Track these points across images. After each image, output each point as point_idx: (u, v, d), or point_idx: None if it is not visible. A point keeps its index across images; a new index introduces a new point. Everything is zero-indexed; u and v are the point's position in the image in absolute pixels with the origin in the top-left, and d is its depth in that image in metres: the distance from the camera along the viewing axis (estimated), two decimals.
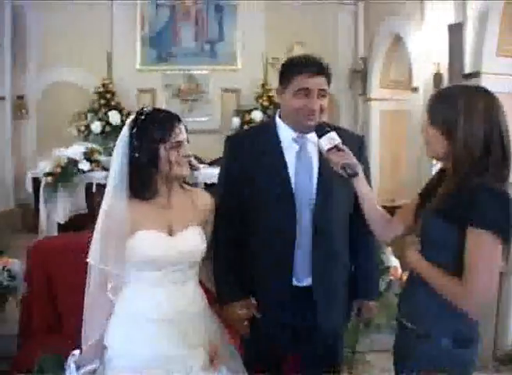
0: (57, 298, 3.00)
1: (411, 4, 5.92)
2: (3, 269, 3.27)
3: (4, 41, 6.69)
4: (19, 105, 6.95)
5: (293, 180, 2.07)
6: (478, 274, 1.53)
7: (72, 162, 5.39)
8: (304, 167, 2.09)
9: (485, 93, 1.64)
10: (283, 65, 2.13)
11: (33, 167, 5.86)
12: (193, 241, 1.92)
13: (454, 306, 1.59)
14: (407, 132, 6.32)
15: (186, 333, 1.86)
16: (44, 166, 5.38)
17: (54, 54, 6.93)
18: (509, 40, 4.73)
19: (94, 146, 5.82)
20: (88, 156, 5.52)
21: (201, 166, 5.63)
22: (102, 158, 5.57)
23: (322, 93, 2.03)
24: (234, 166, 2.13)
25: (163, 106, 6.76)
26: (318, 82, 2.02)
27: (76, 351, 1.80)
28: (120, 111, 6.68)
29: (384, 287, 3.21)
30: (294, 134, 2.10)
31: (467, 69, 4.91)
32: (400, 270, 3.32)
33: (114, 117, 6.60)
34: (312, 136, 2.01)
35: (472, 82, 4.60)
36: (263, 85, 7.09)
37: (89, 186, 5.40)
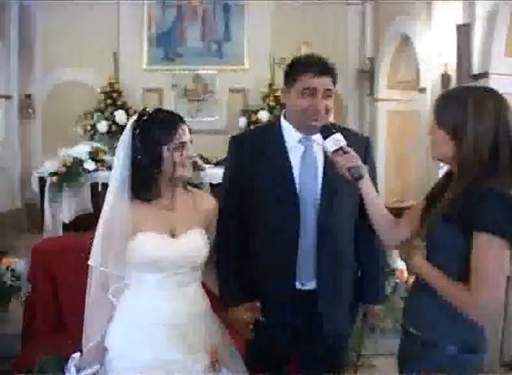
0: (60, 299, 2.99)
1: (419, 4, 5.88)
2: (7, 269, 3.27)
3: (11, 40, 6.72)
4: (26, 105, 6.98)
5: (297, 181, 2.04)
6: (485, 280, 1.49)
7: (78, 162, 5.39)
8: (308, 168, 2.06)
9: (494, 93, 1.61)
10: (288, 64, 2.11)
11: (39, 166, 5.88)
12: (196, 243, 1.90)
13: (461, 313, 1.56)
14: (414, 133, 6.28)
15: (187, 337, 1.84)
16: (50, 165, 5.39)
17: (60, 53, 6.95)
18: None
19: (99, 146, 5.82)
20: (93, 156, 5.53)
21: (207, 166, 5.62)
22: (108, 157, 5.57)
23: (328, 93, 2.01)
24: (238, 166, 2.11)
25: (170, 106, 6.77)
26: (323, 82, 1.99)
27: (77, 354, 1.79)
28: (127, 110, 6.70)
29: (390, 291, 3.18)
30: (299, 135, 2.07)
31: (476, 70, 4.87)
32: (405, 273, 3.28)
33: (120, 117, 6.61)
34: (317, 137, 1.97)
35: (480, 82, 4.56)
36: (270, 85, 7.08)
37: (94, 186, 5.40)
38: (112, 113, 6.70)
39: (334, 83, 2.04)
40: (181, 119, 1.88)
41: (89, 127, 6.68)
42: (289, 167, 2.05)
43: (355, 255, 2.16)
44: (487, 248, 1.50)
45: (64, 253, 3.00)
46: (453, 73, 5.21)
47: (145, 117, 1.86)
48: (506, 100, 1.61)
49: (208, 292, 2.06)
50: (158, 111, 1.92)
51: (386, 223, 1.82)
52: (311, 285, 2.06)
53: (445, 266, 1.60)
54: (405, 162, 6.84)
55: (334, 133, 1.84)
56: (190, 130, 1.90)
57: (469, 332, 1.61)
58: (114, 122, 6.64)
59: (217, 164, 5.84)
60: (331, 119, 2.04)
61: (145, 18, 7.13)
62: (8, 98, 6.73)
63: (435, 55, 5.57)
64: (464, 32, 5.00)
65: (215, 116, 7.24)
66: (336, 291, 2.07)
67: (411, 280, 1.96)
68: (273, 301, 2.06)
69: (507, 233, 1.50)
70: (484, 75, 4.72)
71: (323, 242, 2.03)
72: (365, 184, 1.81)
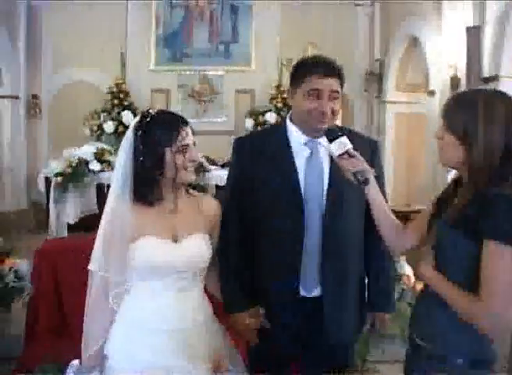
0: (63, 300, 2.98)
1: (429, 6, 5.84)
2: (10, 269, 3.25)
3: (19, 40, 6.73)
4: (34, 105, 7.00)
5: (302, 185, 2.00)
6: (496, 290, 1.44)
7: (83, 163, 5.38)
8: (314, 172, 2.02)
9: (505, 97, 1.57)
10: (295, 66, 2.07)
11: (45, 167, 5.88)
12: (198, 248, 1.86)
13: (470, 324, 1.51)
14: (422, 136, 6.23)
15: (189, 343, 1.81)
16: (55, 165, 5.39)
17: (68, 54, 6.96)
18: None
19: (104, 146, 5.82)
20: (99, 156, 5.52)
21: (213, 167, 5.60)
22: (113, 158, 5.56)
23: (334, 95, 1.96)
24: (242, 168, 2.07)
25: (178, 107, 6.76)
26: (330, 83, 1.95)
27: (75, 361, 1.76)
28: (133, 111, 6.71)
29: (396, 297, 3.12)
30: (305, 138, 2.03)
31: (486, 73, 4.82)
32: (412, 279, 3.23)
33: (127, 117, 6.62)
34: (324, 140, 1.93)
35: (491, 86, 4.51)
36: (277, 86, 7.06)
37: (100, 186, 5.39)
38: (118, 114, 6.71)
39: (341, 85, 1.99)
40: (184, 121, 1.84)
41: (95, 128, 6.69)
42: (295, 170, 2.01)
43: (363, 261, 2.11)
44: (498, 257, 1.45)
45: (68, 254, 2.99)
46: (462, 75, 5.16)
47: (148, 119, 1.83)
48: None
49: (210, 296, 2.02)
50: (161, 112, 1.88)
51: (393, 229, 1.77)
52: (316, 292, 2.01)
53: (454, 274, 1.55)
54: (413, 165, 6.79)
55: (340, 136, 1.79)
56: (193, 132, 1.86)
57: (478, 344, 1.56)
58: (121, 122, 6.65)
59: (223, 166, 5.82)
60: (338, 121, 1.99)
61: (153, 19, 7.14)
62: (15, 98, 6.74)
63: (444, 58, 5.52)
64: (474, 34, 4.95)
65: (221, 117, 7.23)
66: (341, 299, 2.02)
67: (419, 286, 1.91)
68: (277, 309, 2.02)
69: None
70: (494, 78, 4.67)
71: (328, 247, 1.99)
72: (371, 189, 1.77)
